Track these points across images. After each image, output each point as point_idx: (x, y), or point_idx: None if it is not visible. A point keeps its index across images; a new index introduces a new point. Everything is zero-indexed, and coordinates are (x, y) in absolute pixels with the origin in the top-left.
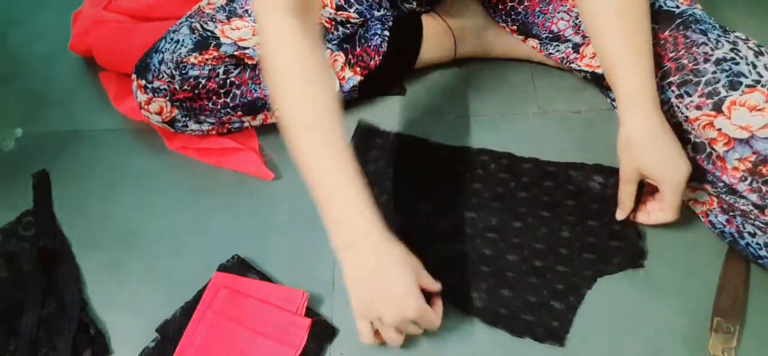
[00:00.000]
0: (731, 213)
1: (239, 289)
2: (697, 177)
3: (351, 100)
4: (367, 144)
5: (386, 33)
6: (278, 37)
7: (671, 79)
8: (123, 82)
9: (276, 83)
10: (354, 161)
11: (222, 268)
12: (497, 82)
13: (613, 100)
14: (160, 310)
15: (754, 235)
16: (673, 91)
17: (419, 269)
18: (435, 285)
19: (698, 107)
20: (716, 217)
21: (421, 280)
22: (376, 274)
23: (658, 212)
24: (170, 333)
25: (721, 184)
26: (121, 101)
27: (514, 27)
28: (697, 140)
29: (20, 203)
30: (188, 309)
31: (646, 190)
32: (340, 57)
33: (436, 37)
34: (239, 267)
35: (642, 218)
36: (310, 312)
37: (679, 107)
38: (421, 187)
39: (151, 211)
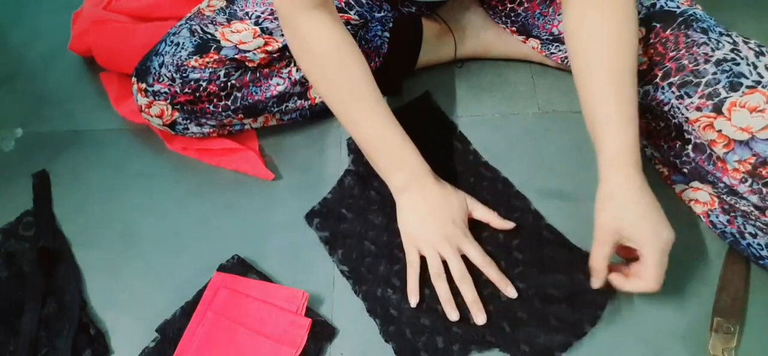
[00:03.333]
0: (732, 214)
1: (239, 289)
2: (699, 177)
3: None
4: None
5: (386, 34)
6: (311, 29)
7: (672, 79)
8: (123, 83)
9: (318, 67)
10: (395, 120)
11: (222, 268)
12: (497, 82)
13: None
14: (160, 310)
15: (755, 235)
16: (673, 92)
17: (470, 200)
18: (490, 215)
19: (698, 109)
20: (717, 217)
21: (474, 211)
22: (424, 205)
23: (636, 280)
24: (170, 333)
25: (721, 185)
26: (121, 102)
27: (514, 28)
28: (698, 141)
29: (20, 203)
30: (188, 310)
31: (622, 257)
32: None
33: (436, 38)
34: (239, 267)
35: (617, 281)
36: (310, 312)
37: (679, 108)
38: None
39: (151, 211)
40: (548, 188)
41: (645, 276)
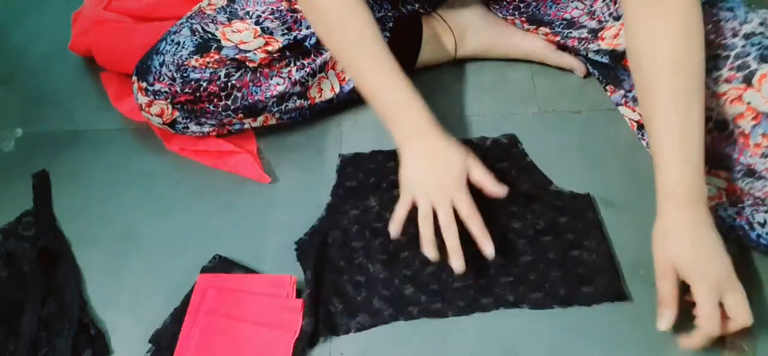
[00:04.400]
0: (740, 205)
1: (227, 286)
2: (716, 162)
3: (351, 101)
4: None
5: (386, 34)
6: None
7: None
8: (123, 83)
9: (321, 16)
10: (401, 70)
11: (205, 269)
12: (497, 83)
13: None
14: (160, 310)
15: (764, 224)
16: None
17: (471, 159)
18: (485, 177)
19: (727, 81)
20: (725, 211)
21: (472, 170)
22: (425, 156)
23: (699, 323)
24: (163, 341)
25: (738, 167)
26: (121, 101)
27: (524, 18)
28: (719, 119)
29: (20, 203)
30: (178, 316)
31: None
32: None
33: (436, 37)
34: (222, 265)
35: (686, 342)
36: (300, 293)
37: (707, 83)
38: None
39: (150, 211)
40: None
41: (699, 316)
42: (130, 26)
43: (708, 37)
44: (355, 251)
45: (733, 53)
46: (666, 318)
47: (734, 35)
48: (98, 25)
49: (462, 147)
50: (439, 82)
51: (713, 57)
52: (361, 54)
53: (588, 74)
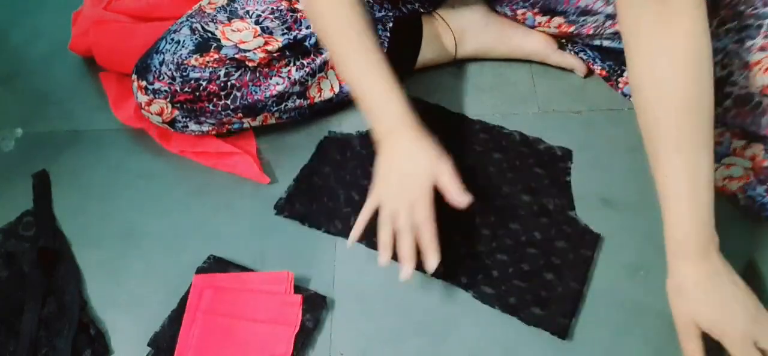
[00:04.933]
0: None
1: (224, 285)
2: (753, 136)
3: (351, 101)
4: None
5: (387, 34)
6: None
7: (729, 25)
8: (123, 85)
9: (314, 6)
10: (387, 67)
11: (200, 270)
12: (497, 83)
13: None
14: (160, 310)
15: None
16: (731, 37)
17: (442, 163)
18: (451, 185)
19: (762, 49)
20: (755, 190)
21: (441, 175)
22: (397, 156)
23: None
24: (163, 343)
25: (766, 142)
26: (120, 106)
27: (537, 10)
28: (743, 92)
29: (20, 203)
30: (175, 318)
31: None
32: None
33: (436, 38)
34: (217, 265)
35: None
36: (298, 289)
37: (737, 53)
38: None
39: (150, 211)
40: None
41: None
42: (130, 26)
43: (738, 8)
44: (351, 185)
45: (765, 22)
46: None
47: (765, 5)
48: (98, 25)
49: (435, 149)
50: (439, 82)
51: (745, 27)
52: (347, 46)
53: (588, 74)
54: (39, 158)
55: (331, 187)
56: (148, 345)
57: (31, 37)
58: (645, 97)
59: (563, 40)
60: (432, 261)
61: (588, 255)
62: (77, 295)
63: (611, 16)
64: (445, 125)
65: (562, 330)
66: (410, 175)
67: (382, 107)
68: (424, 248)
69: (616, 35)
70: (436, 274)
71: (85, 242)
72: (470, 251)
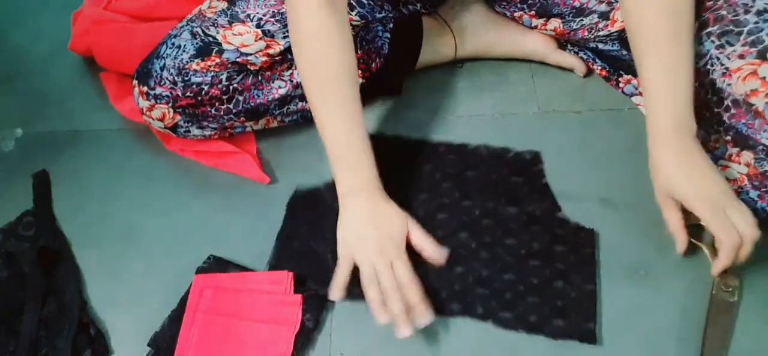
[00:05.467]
0: (763, 188)
1: (223, 285)
2: (742, 143)
3: None
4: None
5: (387, 35)
6: (304, 7)
7: (710, 29)
8: (123, 83)
9: (299, 47)
10: (362, 122)
11: (200, 270)
12: (497, 82)
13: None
14: (160, 310)
15: None
16: (712, 41)
17: (411, 222)
18: (424, 241)
19: (741, 56)
20: (748, 194)
21: (412, 233)
22: (368, 215)
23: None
24: (163, 343)
25: (760, 147)
26: (121, 101)
27: (533, 13)
28: (735, 98)
29: (20, 203)
30: (175, 318)
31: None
32: None
33: (436, 38)
34: (217, 265)
35: (714, 268)
36: (298, 289)
37: (719, 58)
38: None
39: (150, 211)
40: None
41: (714, 234)
42: (130, 26)
43: (720, 12)
44: (326, 234)
45: (745, 29)
46: (679, 242)
47: (746, 12)
48: (98, 25)
49: (402, 212)
50: (439, 82)
51: (725, 33)
52: (325, 94)
53: (588, 73)
54: (39, 158)
55: (314, 249)
56: (148, 345)
57: (31, 37)
58: (630, 2)
59: (562, 41)
60: (424, 320)
61: (589, 252)
62: (77, 295)
63: (605, 14)
64: (410, 156)
65: (590, 335)
66: (385, 232)
67: (352, 164)
68: (414, 307)
69: (610, 37)
70: (451, 311)
71: (85, 242)
72: (477, 277)
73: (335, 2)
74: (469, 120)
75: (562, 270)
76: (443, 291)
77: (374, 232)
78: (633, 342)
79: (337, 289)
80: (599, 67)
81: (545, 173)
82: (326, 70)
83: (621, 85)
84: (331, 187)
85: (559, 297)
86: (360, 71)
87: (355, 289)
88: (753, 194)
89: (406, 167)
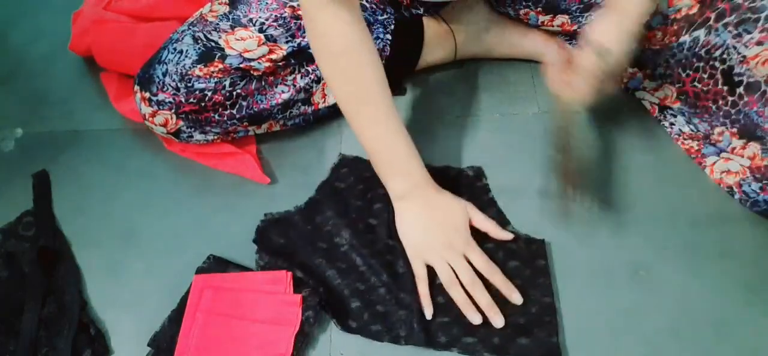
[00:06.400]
0: (765, 180)
1: (223, 285)
2: (748, 134)
3: None
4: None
5: (388, 37)
6: (328, 26)
7: (727, 19)
8: (123, 83)
9: (331, 66)
10: (403, 127)
11: (200, 270)
12: (497, 82)
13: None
14: (161, 310)
15: None
16: (730, 31)
17: (471, 209)
18: (487, 223)
19: (759, 43)
20: (750, 186)
21: (474, 219)
22: (429, 213)
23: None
24: (163, 343)
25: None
26: (121, 100)
27: (540, 9)
28: (752, 81)
29: (20, 203)
30: (175, 318)
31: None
32: None
33: (437, 39)
34: (216, 265)
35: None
36: (298, 288)
37: (736, 48)
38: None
39: (150, 211)
40: (548, 189)
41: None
42: (130, 26)
43: (735, 2)
44: (317, 252)
45: (763, 15)
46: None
47: None
48: (98, 25)
49: (459, 198)
50: (439, 82)
51: (743, 21)
52: (364, 108)
53: None
54: (39, 158)
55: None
56: (148, 345)
57: (31, 37)
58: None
59: (566, 37)
60: (517, 297)
61: (543, 264)
62: (77, 295)
63: None
64: (365, 182)
65: (555, 350)
66: (449, 227)
67: (404, 163)
68: (503, 287)
69: None
70: (414, 341)
71: (85, 242)
72: (435, 305)
73: (353, 6)
74: (469, 120)
75: (519, 286)
76: (402, 327)
77: (438, 229)
78: (633, 342)
79: (426, 306)
80: None
81: (489, 187)
82: (361, 82)
83: (624, 79)
84: (301, 210)
85: (519, 314)
86: None
87: (353, 324)
88: (755, 185)
89: (365, 196)
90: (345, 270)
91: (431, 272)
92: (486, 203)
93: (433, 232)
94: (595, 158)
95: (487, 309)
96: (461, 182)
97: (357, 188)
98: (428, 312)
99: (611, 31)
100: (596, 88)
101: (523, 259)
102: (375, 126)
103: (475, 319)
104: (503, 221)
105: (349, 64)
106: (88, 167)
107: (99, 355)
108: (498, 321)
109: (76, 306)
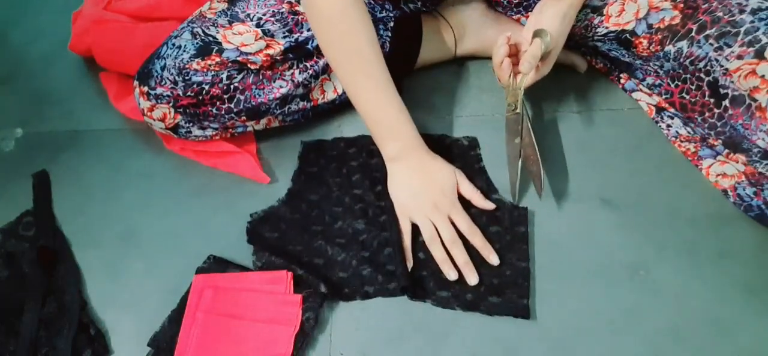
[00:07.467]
0: (759, 186)
1: (223, 285)
2: (733, 146)
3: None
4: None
5: (388, 34)
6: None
7: (708, 32)
8: (123, 82)
9: (324, 31)
10: (395, 89)
11: (200, 270)
12: (497, 82)
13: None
14: (160, 310)
15: None
16: (711, 43)
17: (460, 175)
18: (472, 191)
19: (739, 57)
20: (744, 190)
21: (461, 186)
22: (417, 174)
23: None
24: (163, 343)
25: (756, 150)
26: (121, 100)
27: (530, 14)
28: (736, 93)
29: (20, 203)
30: (175, 318)
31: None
32: None
33: (436, 36)
34: (216, 265)
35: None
36: (298, 288)
37: (718, 61)
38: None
39: (150, 211)
40: (548, 189)
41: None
42: (130, 26)
43: (716, 13)
44: (314, 235)
45: (742, 29)
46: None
47: (742, 12)
48: (98, 25)
49: (449, 164)
50: (439, 82)
51: (723, 34)
52: (357, 72)
53: (589, 70)
54: (39, 158)
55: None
56: (148, 345)
57: (31, 37)
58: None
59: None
60: (495, 258)
61: (523, 231)
62: (77, 295)
63: (598, 9)
64: (335, 160)
65: (524, 311)
66: (437, 189)
67: (396, 127)
68: (483, 249)
69: (607, 37)
70: (392, 292)
71: (85, 242)
72: (416, 260)
73: None
74: (469, 120)
75: (497, 250)
76: (380, 276)
77: (426, 190)
78: (633, 342)
79: (408, 256)
80: (600, 63)
81: (482, 157)
82: (355, 47)
83: (622, 81)
84: (284, 202)
85: (494, 275)
86: None
87: (369, 289)
88: (749, 190)
89: (352, 161)
90: (345, 243)
91: (416, 229)
92: (476, 172)
93: (422, 193)
94: (595, 157)
95: (463, 267)
96: (454, 151)
97: (330, 167)
98: (409, 265)
99: (551, 17)
100: (537, 69)
101: (505, 225)
102: (370, 92)
103: (451, 275)
104: (491, 189)
105: (344, 31)
106: (88, 167)
107: (99, 355)
108: (472, 278)
109: (76, 306)
